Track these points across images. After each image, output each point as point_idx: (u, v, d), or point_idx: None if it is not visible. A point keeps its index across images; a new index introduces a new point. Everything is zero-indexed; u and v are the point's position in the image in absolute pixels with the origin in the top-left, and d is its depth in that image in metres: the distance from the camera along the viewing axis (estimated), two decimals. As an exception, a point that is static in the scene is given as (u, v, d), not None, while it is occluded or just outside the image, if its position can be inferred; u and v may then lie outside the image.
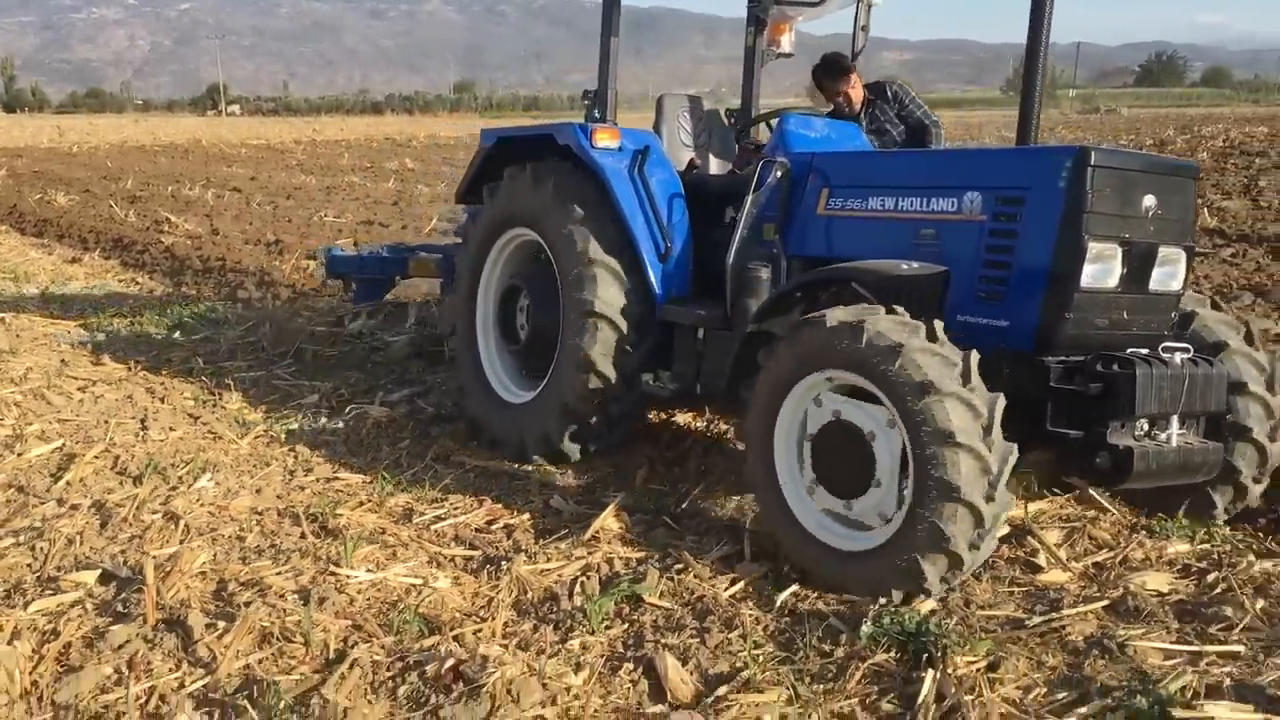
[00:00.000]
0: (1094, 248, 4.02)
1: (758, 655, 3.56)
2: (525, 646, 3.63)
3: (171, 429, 5.95)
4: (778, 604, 3.93)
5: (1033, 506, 4.83)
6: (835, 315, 3.96)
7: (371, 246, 9.32)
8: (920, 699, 3.24)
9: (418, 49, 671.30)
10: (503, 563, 4.29)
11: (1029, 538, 4.51)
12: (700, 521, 4.81)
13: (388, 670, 3.44)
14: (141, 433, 5.87)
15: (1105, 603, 3.91)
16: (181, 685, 3.33)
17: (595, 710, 3.26)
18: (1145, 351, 4.14)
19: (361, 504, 4.91)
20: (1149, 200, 4.14)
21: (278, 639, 3.59)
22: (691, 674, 3.46)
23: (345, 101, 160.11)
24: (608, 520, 4.63)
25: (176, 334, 8.65)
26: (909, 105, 6.47)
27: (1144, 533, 4.60)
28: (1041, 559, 4.35)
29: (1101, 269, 4.06)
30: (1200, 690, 3.19)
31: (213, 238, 13.96)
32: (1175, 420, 4.09)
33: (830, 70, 6.38)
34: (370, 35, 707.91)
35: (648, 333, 5.29)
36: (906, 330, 3.83)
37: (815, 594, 4.01)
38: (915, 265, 4.26)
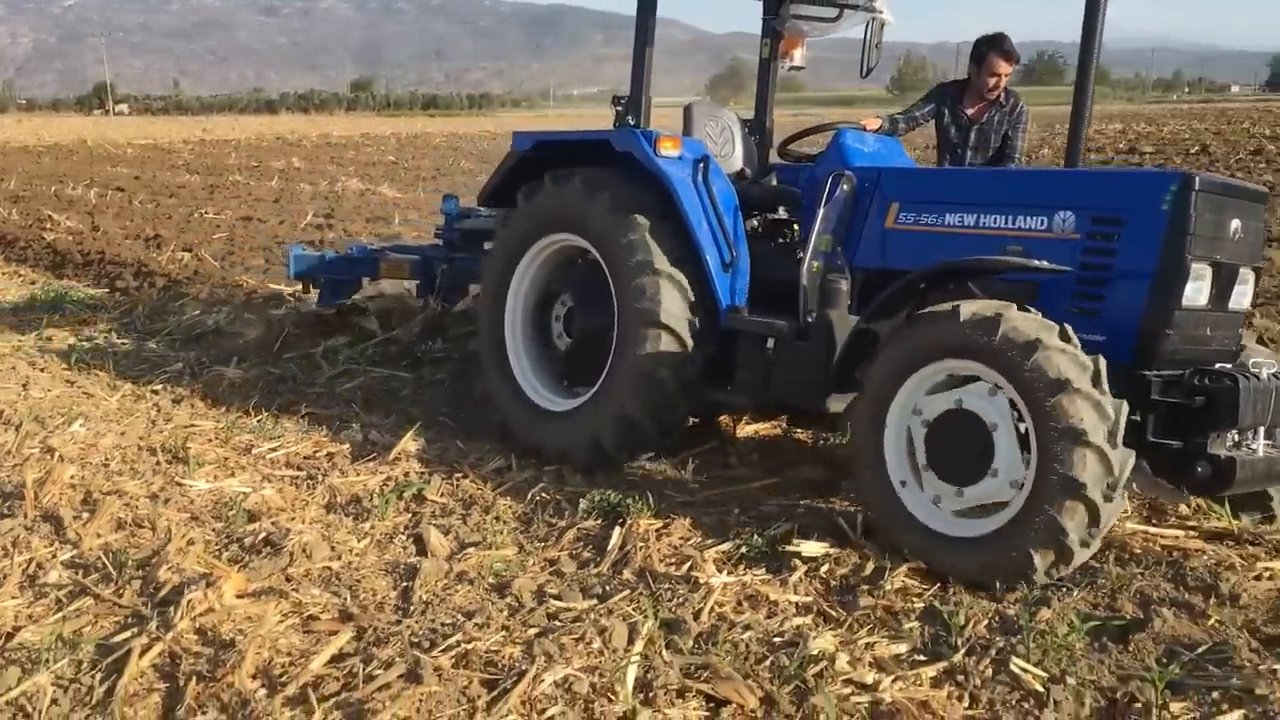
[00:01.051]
0: (1194, 268, 4.27)
1: (501, 529, 4.76)
2: (326, 526, 4.77)
3: (49, 390, 6.92)
4: (529, 497, 5.13)
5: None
6: (969, 308, 4.07)
7: (355, 243, 9.37)
8: (609, 547, 4.47)
9: (313, 47, 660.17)
10: (320, 477, 5.41)
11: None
12: (484, 443, 5.99)
13: (216, 544, 4.55)
14: (23, 393, 6.83)
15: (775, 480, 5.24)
16: (54, 556, 4.40)
17: (371, 563, 4.42)
18: (1231, 366, 4.47)
19: (210, 440, 5.97)
20: (1235, 223, 4.43)
21: (130, 525, 4.68)
22: (449, 541, 4.64)
23: (239, 100, 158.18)
24: (408, 444, 5.78)
25: (57, 317, 9.55)
26: (1019, 129, 6.62)
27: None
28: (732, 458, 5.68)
29: (1196, 288, 4.30)
30: (794, 530, 4.52)
31: (93, 234, 14.68)
32: (1263, 431, 4.35)
33: (1001, 49, 6.49)
34: (264, 32, 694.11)
35: (709, 343, 5.31)
36: (1042, 328, 3.96)
37: (557, 488, 5.22)
38: (1045, 263, 4.36)
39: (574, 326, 5.72)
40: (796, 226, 5.83)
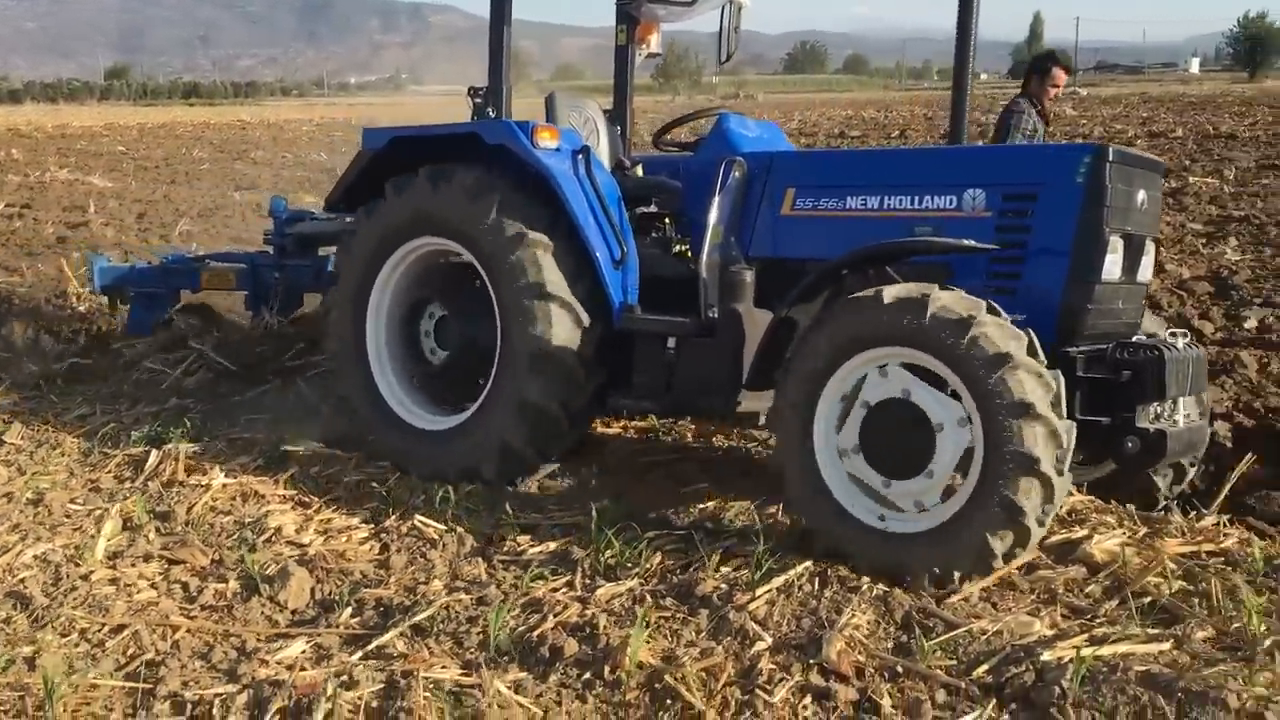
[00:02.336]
0: (1112, 241, 4.22)
1: (61, 460, 5.56)
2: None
3: None
4: (98, 435, 5.92)
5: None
6: (891, 292, 3.91)
7: (171, 252, 8.46)
8: (147, 465, 5.34)
9: (67, 32, 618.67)
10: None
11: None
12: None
13: None
14: None
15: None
16: None
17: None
18: (1149, 338, 4.51)
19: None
20: (1141, 194, 4.40)
21: None
22: (11, 471, 5.39)
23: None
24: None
25: None
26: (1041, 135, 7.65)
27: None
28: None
29: (1113, 261, 4.24)
30: (294, 436, 5.56)
31: None
32: (1183, 402, 4.30)
33: (1060, 64, 8.02)
34: (10, 17, 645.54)
35: (602, 350, 4.98)
36: (971, 305, 3.83)
37: (121, 425, 6.03)
38: (970, 241, 4.22)
39: (448, 337, 5.32)
40: (668, 220, 5.57)
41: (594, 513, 4.43)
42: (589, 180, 5.04)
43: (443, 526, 4.59)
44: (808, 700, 3.18)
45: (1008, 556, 3.78)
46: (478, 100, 5.58)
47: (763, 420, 5.04)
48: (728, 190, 4.96)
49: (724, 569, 4.05)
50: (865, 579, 3.89)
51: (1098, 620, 3.61)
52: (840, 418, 4.04)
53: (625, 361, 5.02)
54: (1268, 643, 3.37)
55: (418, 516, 4.66)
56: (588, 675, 3.34)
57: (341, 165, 6.47)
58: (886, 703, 3.16)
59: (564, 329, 4.83)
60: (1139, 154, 4.60)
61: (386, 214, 5.35)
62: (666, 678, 3.25)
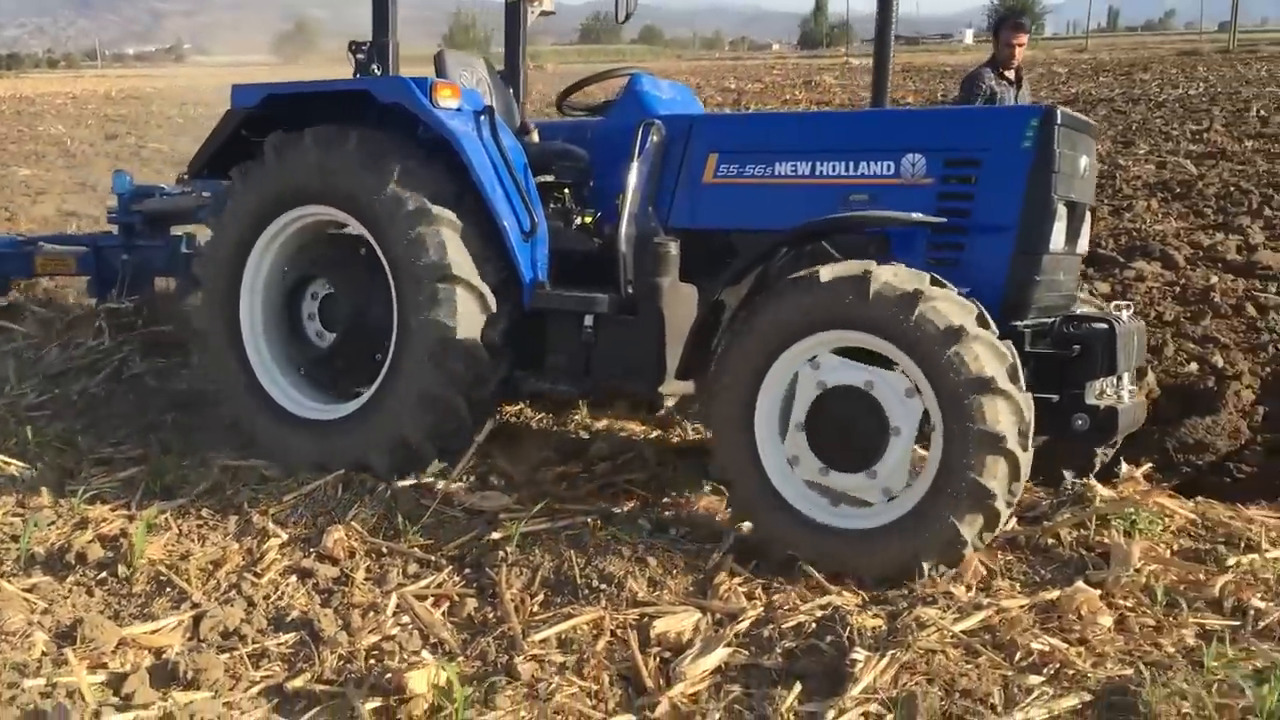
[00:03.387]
0: (1060, 209, 4.01)
1: None
2: None
3: None
4: None
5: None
6: (830, 271, 3.65)
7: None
8: None
9: None
10: None
11: None
12: None
13: None
14: None
15: None
16: None
17: None
18: (1095, 310, 4.34)
19: None
20: (1084, 160, 4.20)
21: None
22: None
23: None
24: None
25: None
26: (1024, 93, 7.60)
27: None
28: None
29: (1058, 230, 4.04)
30: None
31: None
32: (1126, 376, 4.12)
33: (1013, 23, 7.96)
34: None
35: (513, 325, 4.56)
36: (915, 279, 3.59)
37: None
38: (918, 215, 3.99)
39: (336, 317, 4.83)
40: (568, 190, 5.06)
41: (155, 441, 4.81)
42: (495, 144, 4.59)
43: (23, 464, 4.81)
44: (293, 579, 3.69)
45: (977, 540, 3.54)
46: (360, 56, 5.01)
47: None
48: (645, 156, 4.57)
49: (264, 485, 4.51)
50: (382, 484, 4.37)
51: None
52: (784, 410, 3.74)
53: (536, 342, 4.61)
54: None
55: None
56: (103, 575, 3.75)
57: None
58: (360, 575, 3.70)
59: (469, 314, 4.40)
60: (1079, 116, 4.31)
61: (265, 179, 4.78)
62: (169, 570, 3.71)
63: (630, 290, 4.47)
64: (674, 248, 4.33)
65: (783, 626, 3.23)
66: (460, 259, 4.39)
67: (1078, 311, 4.23)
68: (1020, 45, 7.77)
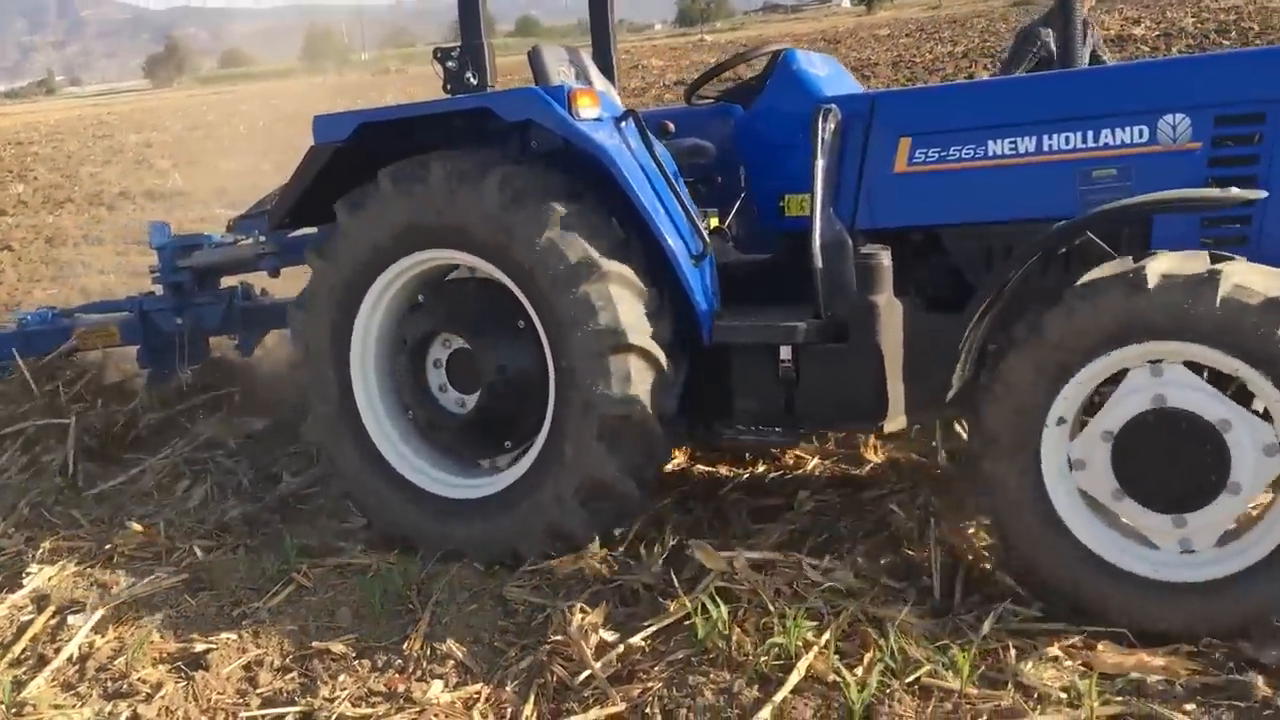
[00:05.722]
0: None
1: None
2: None
3: None
4: None
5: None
6: (1157, 268, 3.00)
7: (29, 311, 6.64)
8: None
9: None
10: None
11: None
12: None
13: None
14: None
15: None
16: None
17: None
18: None
19: None
20: None
21: None
22: None
23: None
24: None
25: None
26: (1095, 38, 6.49)
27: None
28: None
29: None
30: None
31: None
32: None
33: None
34: None
35: (686, 369, 3.95)
36: (1275, 281, 2.96)
37: None
38: (1237, 190, 3.22)
39: (469, 377, 4.13)
40: (702, 188, 4.44)
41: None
42: (649, 155, 3.94)
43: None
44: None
45: None
46: (450, 64, 4.30)
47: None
48: (826, 148, 3.93)
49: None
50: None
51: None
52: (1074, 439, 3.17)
53: (719, 383, 3.96)
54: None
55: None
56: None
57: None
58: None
59: (645, 387, 3.75)
60: None
61: (381, 219, 4.05)
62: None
63: (831, 312, 3.79)
64: (886, 258, 3.70)
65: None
66: (634, 320, 3.73)
67: None
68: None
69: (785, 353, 3.81)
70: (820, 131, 3.88)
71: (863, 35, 36.44)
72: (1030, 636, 3.17)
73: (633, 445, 3.78)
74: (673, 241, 3.84)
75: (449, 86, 4.29)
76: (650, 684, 3.11)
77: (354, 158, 4.16)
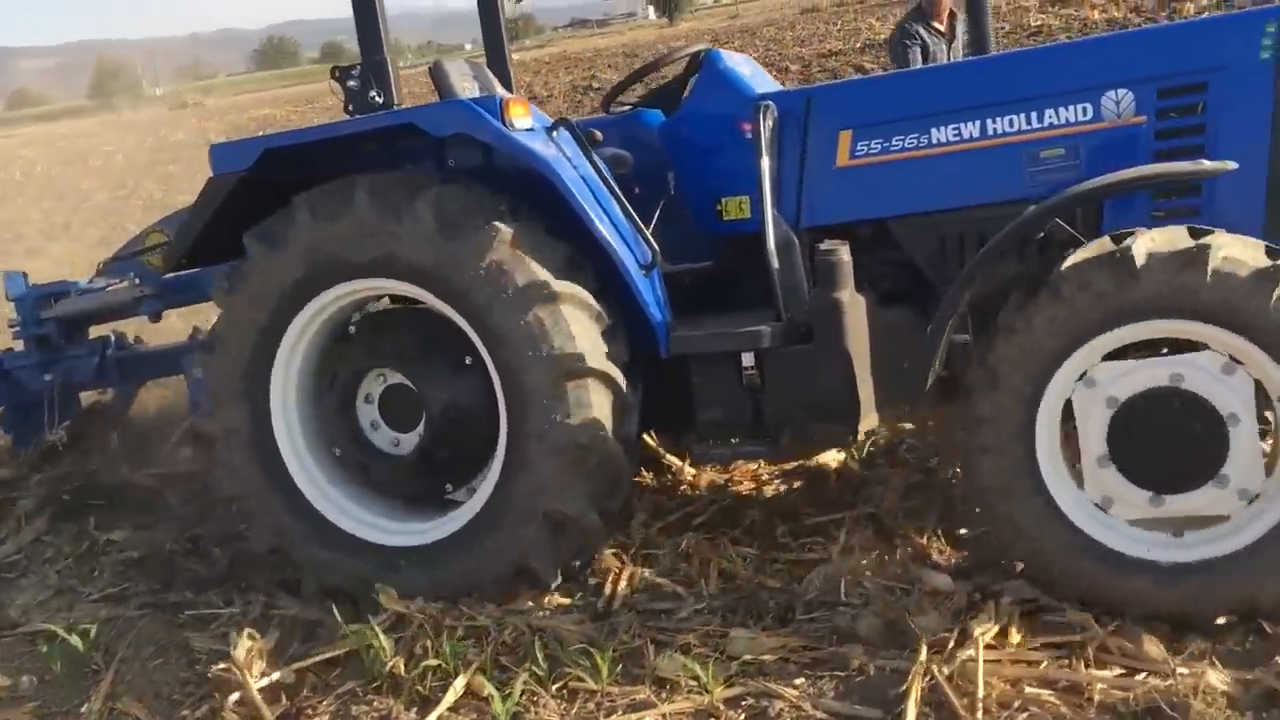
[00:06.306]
0: None
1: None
2: None
3: None
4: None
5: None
6: (1142, 246, 2.98)
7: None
8: None
9: None
10: None
11: None
12: None
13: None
14: None
15: None
16: None
17: None
18: None
19: None
20: None
21: None
22: None
23: None
24: None
25: None
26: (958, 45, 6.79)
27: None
28: None
29: None
30: None
31: None
32: None
33: None
34: None
35: (639, 382, 3.78)
36: (1258, 251, 2.97)
37: None
38: (1208, 163, 3.23)
39: (407, 414, 3.84)
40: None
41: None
42: (588, 164, 3.77)
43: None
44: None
45: None
46: (351, 83, 4.02)
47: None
48: (769, 144, 3.81)
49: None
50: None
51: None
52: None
53: (677, 396, 3.80)
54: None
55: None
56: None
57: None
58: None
59: (606, 409, 3.56)
60: None
61: (298, 250, 3.73)
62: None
63: (791, 313, 3.67)
64: (846, 253, 3.57)
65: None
66: (591, 342, 3.53)
67: None
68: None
69: (748, 359, 3.67)
70: (762, 129, 3.80)
71: (661, 48, 37.19)
72: (674, 631, 3.40)
73: (596, 474, 3.59)
74: (622, 252, 3.68)
75: (350, 108, 4.05)
76: (317, 718, 3.22)
77: (249, 189, 3.90)
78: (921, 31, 7.09)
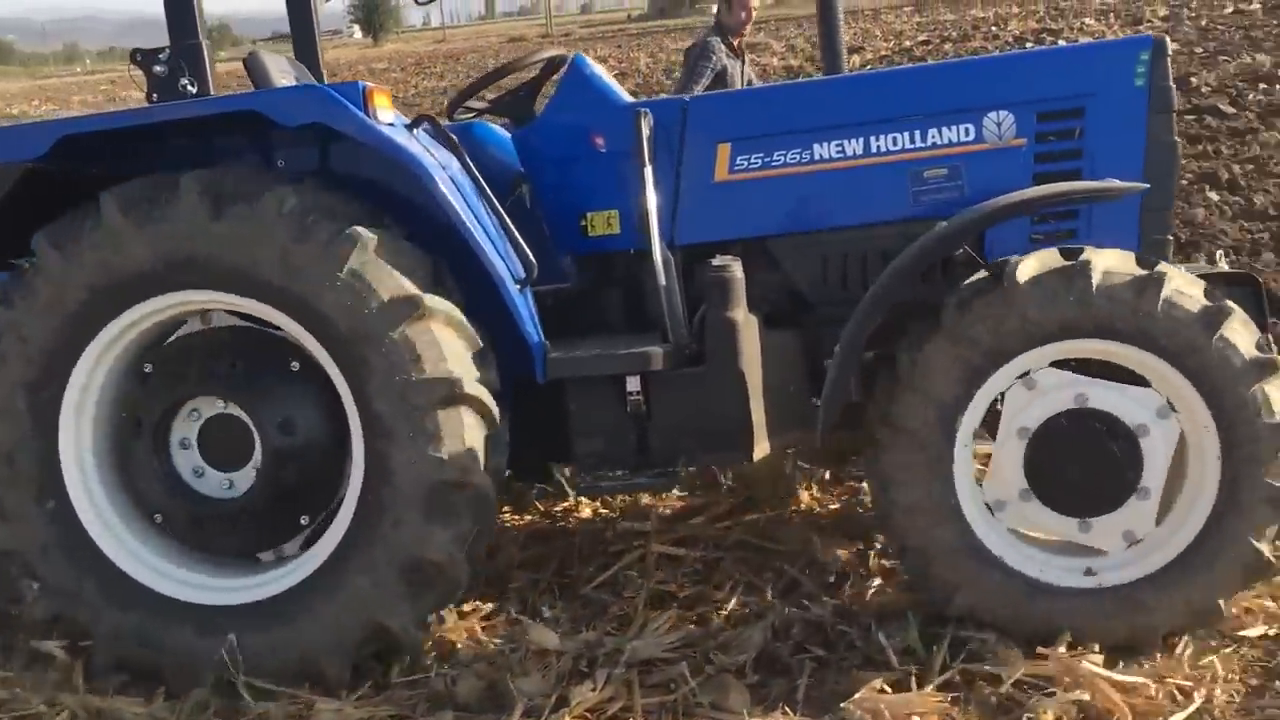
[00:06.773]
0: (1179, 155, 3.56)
1: None
2: None
3: None
4: None
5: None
6: (1101, 264, 2.94)
7: None
8: None
9: None
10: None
11: None
12: None
13: None
14: None
15: None
16: None
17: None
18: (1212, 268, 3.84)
19: None
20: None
21: None
22: None
23: None
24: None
25: None
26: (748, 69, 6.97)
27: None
28: None
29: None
30: None
31: None
32: None
33: None
34: None
35: (508, 409, 3.33)
36: (1193, 283, 2.97)
37: None
38: (1116, 182, 3.26)
39: (238, 445, 3.23)
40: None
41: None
42: (459, 169, 3.40)
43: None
44: None
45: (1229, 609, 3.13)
46: (158, 68, 3.51)
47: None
48: (651, 154, 3.54)
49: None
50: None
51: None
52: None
53: (553, 424, 3.48)
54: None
55: None
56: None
57: None
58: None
59: (479, 440, 3.13)
60: None
61: (106, 256, 3.12)
62: None
63: (678, 334, 3.42)
64: (738, 270, 3.40)
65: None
66: (464, 365, 3.11)
67: (1211, 271, 3.68)
68: (753, 9, 6.87)
69: (633, 384, 3.37)
70: (643, 138, 3.50)
71: (361, 69, 36.43)
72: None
73: (466, 513, 3.12)
74: (497, 265, 3.28)
75: (155, 96, 3.52)
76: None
77: (37, 184, 3.29)
78: (722, 51, 6.88)
